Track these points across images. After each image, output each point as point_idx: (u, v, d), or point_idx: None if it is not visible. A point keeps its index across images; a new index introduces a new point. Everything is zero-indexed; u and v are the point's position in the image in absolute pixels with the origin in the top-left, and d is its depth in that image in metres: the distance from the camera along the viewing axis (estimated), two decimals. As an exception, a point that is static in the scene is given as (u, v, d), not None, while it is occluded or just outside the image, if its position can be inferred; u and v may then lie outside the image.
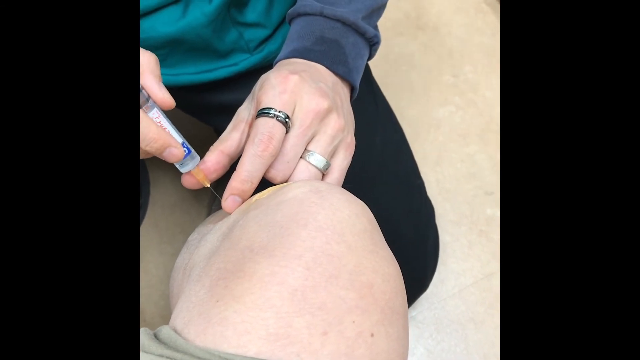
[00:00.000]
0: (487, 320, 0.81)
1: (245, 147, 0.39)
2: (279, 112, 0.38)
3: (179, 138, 0.39)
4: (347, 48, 0.46)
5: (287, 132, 0.39)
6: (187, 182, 0.41)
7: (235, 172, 0.39)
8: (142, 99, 0.36)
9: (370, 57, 0.50)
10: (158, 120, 0.38)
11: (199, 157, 0.40)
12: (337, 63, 0.45)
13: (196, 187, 0.41)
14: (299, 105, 0.40)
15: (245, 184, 0.38)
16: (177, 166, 0.40)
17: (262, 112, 0.39)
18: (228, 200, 0.39)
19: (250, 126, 0.41)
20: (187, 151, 0.39)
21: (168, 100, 0.38)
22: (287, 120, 0.38)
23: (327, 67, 0.44)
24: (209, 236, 0.38)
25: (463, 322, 0.81)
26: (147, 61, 0.37)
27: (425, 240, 0.62)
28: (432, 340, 0.80)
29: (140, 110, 0.36)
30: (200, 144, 0.49)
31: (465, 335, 0.80)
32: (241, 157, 0.39)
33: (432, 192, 0.88)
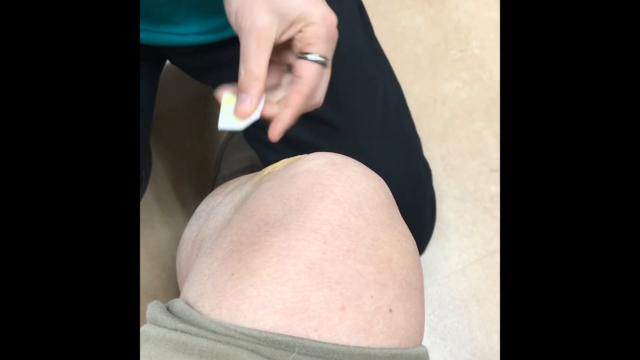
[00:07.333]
0: (490, 298, 0.81)
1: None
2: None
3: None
4: None
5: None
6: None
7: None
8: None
9: None
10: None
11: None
12: None
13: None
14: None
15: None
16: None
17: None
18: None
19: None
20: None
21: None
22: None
23: None
24: (219, 208, 0.37)
25: (466, 299, 0.81)
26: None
27: (422, 201, 0.62)
28: (434, 317, 0.80)
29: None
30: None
31: (467, 312, 0.80)
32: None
33: (436, 168, 0.87)
